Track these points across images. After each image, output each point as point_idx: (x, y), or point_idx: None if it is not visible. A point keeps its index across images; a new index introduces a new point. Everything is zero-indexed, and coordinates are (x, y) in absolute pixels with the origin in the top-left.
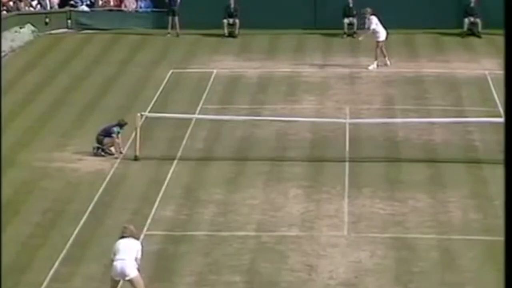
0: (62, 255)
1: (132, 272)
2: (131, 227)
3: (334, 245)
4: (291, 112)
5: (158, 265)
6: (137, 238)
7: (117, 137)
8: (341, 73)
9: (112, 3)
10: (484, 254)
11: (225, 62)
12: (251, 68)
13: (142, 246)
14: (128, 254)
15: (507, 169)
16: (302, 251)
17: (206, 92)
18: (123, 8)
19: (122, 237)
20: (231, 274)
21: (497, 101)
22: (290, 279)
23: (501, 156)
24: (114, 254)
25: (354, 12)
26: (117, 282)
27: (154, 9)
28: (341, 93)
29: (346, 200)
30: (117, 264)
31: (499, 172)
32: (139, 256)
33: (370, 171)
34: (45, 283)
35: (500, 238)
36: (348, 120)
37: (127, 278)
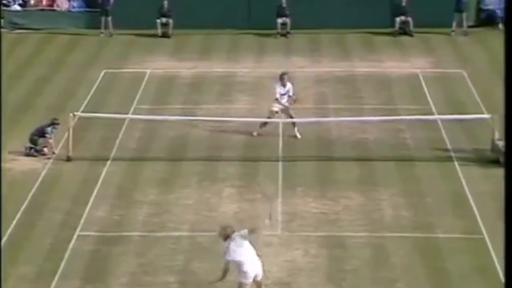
0: None
1: (261, 271)
2: (225, 228)
3: (268, 245)
4: (225, 112)
5: (91, 265)
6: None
7: (50, 137)
8: (275, 73)
9: (44, 3)
10: (415, 250)
11: (159, 62)
12: (185, 68)
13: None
14: (253, 253)
15: (507, 169)
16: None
17: (139, 92)
18: (55, 7)
19: (227, 237)
20: (165, 275)
21: (429, 99)
22: (224, 279)
23: (432, 153)
24: (239, 262)
25: (287, 12)
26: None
27: (87, 9)
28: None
29: (279, 199)
30: (248, 269)
31: (430, 169)
32: (246, 235)
33: (303, 170)
34: None
35: (430, 234)
36: (281, 120)
37: (258, 279)
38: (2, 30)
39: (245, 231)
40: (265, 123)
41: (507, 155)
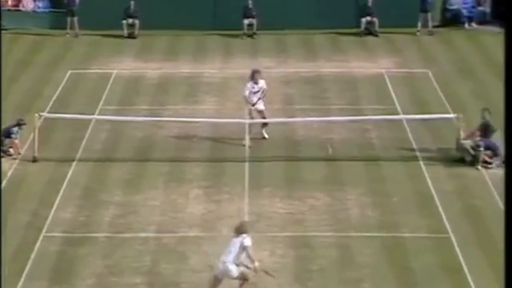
0: None
1: (233, 273)
2: (243, 223)
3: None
4: (192, 113)
5: (57, 267)
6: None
7: (16, 138)
8: (241, 73)
9: (9, 3)
10: (381, 250)
11: (125, 63)
12: (151, 69)
13: (249, 238)
14: (230, 256)
15: (507, 169)
16: (203, 252)
17: (105, 93)
18: (21, 8)
19: (239, 233)
20: (132, 276)
21: (394, 99)
22: (191, 280)
23: (397, 153)
24: (221, 259)
25: (254, 13)
26: (219, 279)
27: (53, 9)
28: (242, 93)
29: (246, 200)
30: (220, 265)
31: (396, 169)
32: (246, 246)
33: (270, 171)
34: None
35: (397, 234)
36: (248, 121)
37: (230, 277)
38: None
39: (249, 245)
40: (264, 124)
41: (507, 155)
